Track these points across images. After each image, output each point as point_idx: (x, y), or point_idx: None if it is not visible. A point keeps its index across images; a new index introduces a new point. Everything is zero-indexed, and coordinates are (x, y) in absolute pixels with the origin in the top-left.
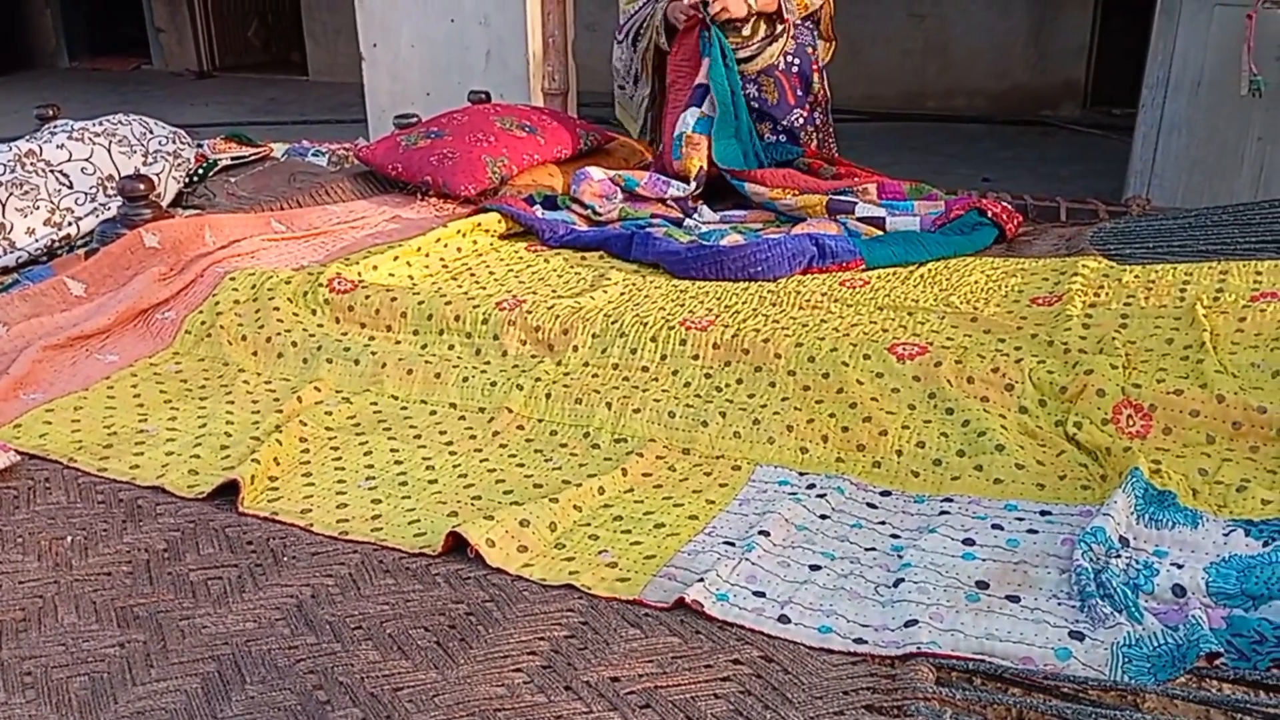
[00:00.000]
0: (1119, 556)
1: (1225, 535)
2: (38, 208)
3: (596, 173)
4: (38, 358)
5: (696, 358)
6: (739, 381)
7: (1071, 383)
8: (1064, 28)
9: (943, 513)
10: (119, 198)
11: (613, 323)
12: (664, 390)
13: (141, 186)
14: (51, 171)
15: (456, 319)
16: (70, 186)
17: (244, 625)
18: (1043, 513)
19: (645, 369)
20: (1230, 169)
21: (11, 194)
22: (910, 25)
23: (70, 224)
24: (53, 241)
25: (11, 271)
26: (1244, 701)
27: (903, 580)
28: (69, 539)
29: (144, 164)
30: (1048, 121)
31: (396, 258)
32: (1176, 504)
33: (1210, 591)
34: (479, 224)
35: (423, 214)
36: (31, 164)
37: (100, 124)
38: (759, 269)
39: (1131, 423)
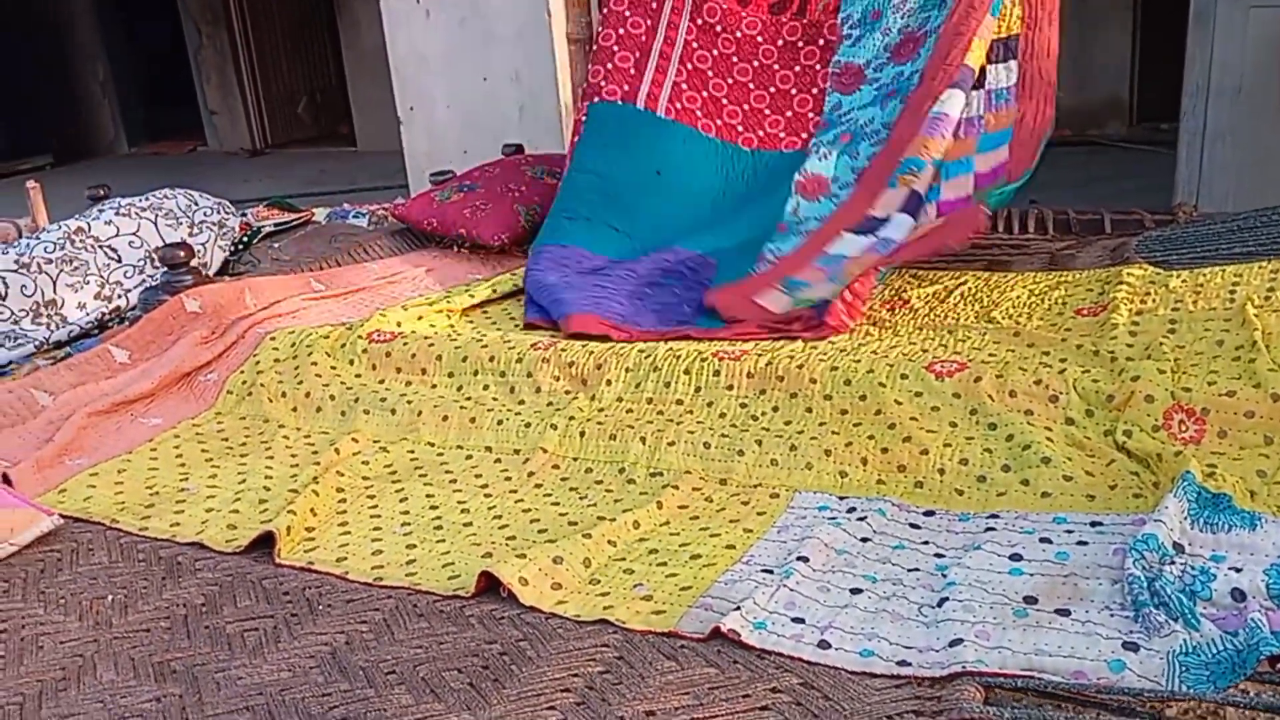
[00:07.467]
0: (1173, 563)
1: None
2: (87, 283)
3: None
4: (83, 424)
5: (731, 388)
6: (775, 409)
7: (1119, 390)
8: (1104, 45)
9: (988, 529)
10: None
11: (646, 357)
12: (699, 422)
13: (182, 254)
14: (100, 247)
15: (491, 360)
16: (118, 260)
17: (279, 675)
18: (1093, 524)
19: (679, 402)
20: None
21: (62, 270)
22: None
23: (119, 296)
24: (103, 314)
25: (64, 345)
26: None
27: (947, 599)
28: (109, 598)
29: (189, 235)
30: (1094, 141)
31: (433, 306)
32: (1232, 506)
33: (1271, 594)
34: (512, 277)
35: (459, 266)
36: (80, 240)
37: (146, 199)
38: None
39: (1184, 428)
